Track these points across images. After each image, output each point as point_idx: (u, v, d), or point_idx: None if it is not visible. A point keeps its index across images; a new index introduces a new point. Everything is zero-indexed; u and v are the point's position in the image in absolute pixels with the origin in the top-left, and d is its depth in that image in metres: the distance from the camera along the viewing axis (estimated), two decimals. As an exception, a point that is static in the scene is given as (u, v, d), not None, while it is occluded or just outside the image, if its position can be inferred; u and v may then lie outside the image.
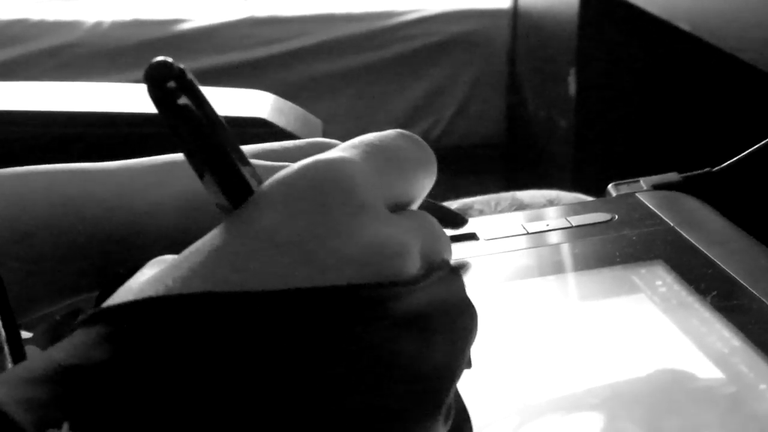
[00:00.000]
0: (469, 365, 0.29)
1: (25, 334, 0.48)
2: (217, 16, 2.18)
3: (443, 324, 0.27)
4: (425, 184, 0.31)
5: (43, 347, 0.51)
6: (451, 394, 0.27)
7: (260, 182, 0.28)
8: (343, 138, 0.54)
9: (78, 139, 0.93)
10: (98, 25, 2.16)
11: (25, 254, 0.49)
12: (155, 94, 0.26)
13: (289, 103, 0.99)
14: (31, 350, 0.45)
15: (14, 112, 0.95)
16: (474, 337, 0.29)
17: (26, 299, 0.48)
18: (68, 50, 2.14)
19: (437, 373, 0.27)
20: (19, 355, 0.42)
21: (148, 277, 0.27)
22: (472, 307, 0.29)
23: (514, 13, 2.22)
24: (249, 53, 2.14)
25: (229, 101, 0.96)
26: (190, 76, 0.26)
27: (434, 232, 0.30)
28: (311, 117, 1.01)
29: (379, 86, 2.22)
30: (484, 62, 2.24)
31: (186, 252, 0.27)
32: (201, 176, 0.27)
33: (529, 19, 2.17)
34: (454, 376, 0.27)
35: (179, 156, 0.52)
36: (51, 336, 0.53)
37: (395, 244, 0.27)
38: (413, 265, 0.27)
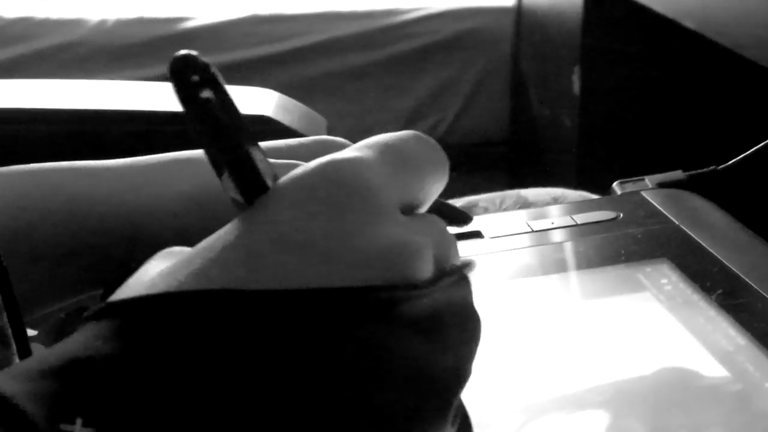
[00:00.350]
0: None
1: (30, 332, 0.48)
2: (220, 14, 2.18)
3: (454, 328, 0.27)
4: (436, 186, 0.31)
5: (48, 345, 0.51)
6: (459, 397, 0.27)
7: (276, 179, 0.28)
8: (348, 136, 0.54)
9: (82, 136, 0.93)
10: (102, 23, 2.16)
11: (30, 251, 0.49)
12: (179, 87, 0.26)
13: (293, 101, 0.99)
14: (36, 348, 0.45)
15: (17, 110, 0.95)
16: (477, 344, 0.29)
17: (31, 296, 0.48)
18: (72, 48, 2.14)
19: (447, 376, 0.27)
20: (25, 352, 0.42)
21: (160, 271, 0.27)
22: (477, 314, 0.29)
23: (518, 10, 2.22)
24: (253, 51, 2.14)
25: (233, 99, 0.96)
26: (214, 70, 0.26)
27: (444, 236, 0.30)
28: (315, 115, 1.01)
29: (384, 84, 2.22)
30: (488, 60, 2.24)
31: (199, 247, 0.27)
32: (217, 171, 0.27)
33: (533, 16, 2.17)
34: (464, 379, 0.27)
35: (183, 153, 0.52)
36: (56, 333, 0.53)
37: (410, 246, 0.27)
38: (427, 269, 0.27)
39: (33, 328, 0.53)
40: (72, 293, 0.51)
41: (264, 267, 0.25)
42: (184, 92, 0.26)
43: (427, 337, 0.26)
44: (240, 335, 0.24)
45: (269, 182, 0.27)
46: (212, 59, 0.27)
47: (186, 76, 0.26)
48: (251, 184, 0.27)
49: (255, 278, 0.25)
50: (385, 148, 0.29)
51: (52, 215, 0.49)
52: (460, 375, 0.27)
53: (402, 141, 0.30)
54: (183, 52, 0.26)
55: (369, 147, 0.29)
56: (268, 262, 0.26)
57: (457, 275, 0.29)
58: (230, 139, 0.27)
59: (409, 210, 0.29)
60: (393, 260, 0.26)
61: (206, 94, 0.26)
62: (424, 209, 0.31)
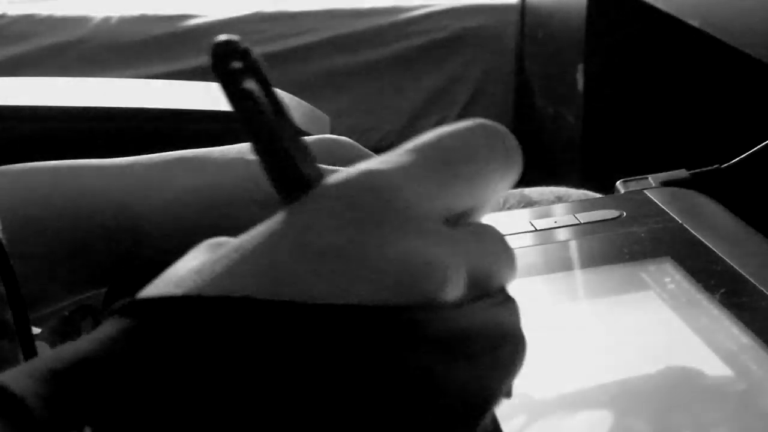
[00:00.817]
0: (508, 395, 0.29)
1: (35, 330, 0.48)
2: (224, 11, 2.19)
3: (482, 351, 0.27)
4: (496, 185, 0.29)
5: (52, 343, 0.51)
6: (487, 419, 0.27)
7: (319, 177, 0.27)
8: (351, 134, 0.54)
9: (87, 134, 0.93)
10: (106, 21, 2.16)
11: (37, 249, 0.49)
12: (220, 75, 0.25)
13: (296, 99, 0.99)
14: (40, 345, 0.45)
15: (21, 108, 0.95)
16: (518, 370, 0.28)
17: (36, 294, 0.48)
18: (76, 46, 2.14)
19: (469, 397, 0.26)
20: (30, 350, 0.42)
21: (191, 267, 0.26)
22: (522, 339, 0.28)
23: (522, 8, 2.22)
24: (257, 49, 2.11)
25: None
26: (254, 56, 0.26)
27: (493, 251, 0.29)
28: (319, 113, 1.01)
29: (387, 82, 2.22)
30: (491, 58, 2.24)
31: (230, 247, 0.26)
32: (261, 164, 0.26)
33: (537, 14, 2.17)
34: (489, 403, 0.27)
35: (188, 152, 0.52)
36: (60, 332, 0.53)
37: (434, 265, 0.26)
38: (454, 288, 0.26)
39: (37, 325, 0.53)
40: (76, 291, 0.52)
41: (287, 277, 0.25)
42: (225, 80, 0.25)
43: (447, 357, 0.25)
44: (255, 346, 0.24)
45: (310, 181, 0.26)
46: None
47: (228, 62, 0.25)
48: (289, 182, 0.26)
49: (277, 288, 0.25)
50: (431, 152, 0.28)
51: (54, 214, 0.49)
52: (484, 398, 0.27)
53: (450, 139, 0.29)
54: (223, 36, 0.25)
55: (412, 151, 0.28)
56: (292, 269, 0.25)
57: (498, 298, 0.28)
58: (271, 132, 0.26)
59: (458, 218, 0.28)
60: (416, 279, 0.25)
61: (249, 84, 0.25)
62: (480, 215, 0.29)
